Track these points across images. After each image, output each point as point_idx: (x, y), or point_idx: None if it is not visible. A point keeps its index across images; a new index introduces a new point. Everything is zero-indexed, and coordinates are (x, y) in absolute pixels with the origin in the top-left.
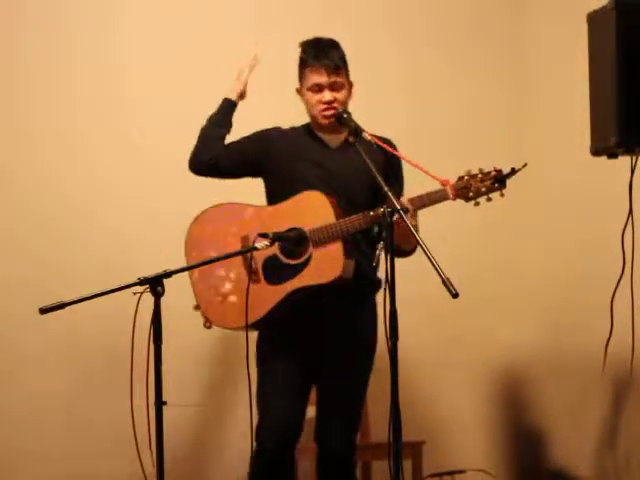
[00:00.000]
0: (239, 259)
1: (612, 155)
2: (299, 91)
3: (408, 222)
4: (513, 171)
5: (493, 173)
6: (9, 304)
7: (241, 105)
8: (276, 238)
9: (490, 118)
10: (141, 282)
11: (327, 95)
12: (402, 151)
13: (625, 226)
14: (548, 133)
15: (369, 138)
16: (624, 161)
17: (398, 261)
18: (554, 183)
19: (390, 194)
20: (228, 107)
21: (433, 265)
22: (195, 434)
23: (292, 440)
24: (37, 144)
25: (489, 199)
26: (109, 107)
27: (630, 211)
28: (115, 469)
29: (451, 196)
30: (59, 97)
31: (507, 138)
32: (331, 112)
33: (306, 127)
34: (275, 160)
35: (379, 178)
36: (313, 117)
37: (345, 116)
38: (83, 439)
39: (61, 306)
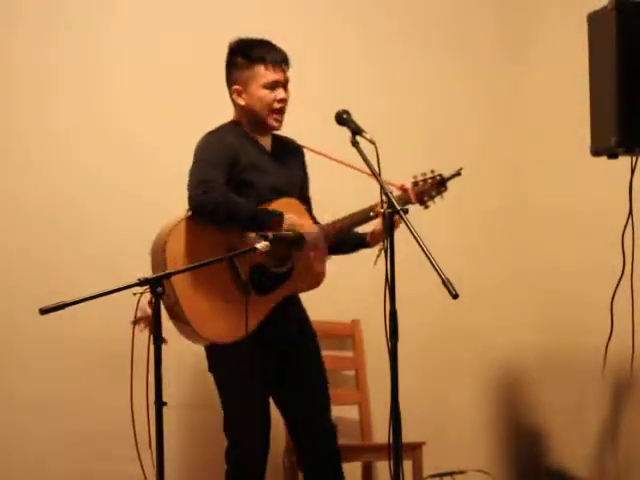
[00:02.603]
0: (225, 272)
1: (612, 155)
2: (240, 91)
3: (408, 222)
4: (453, 175)
5: (437, 177)
6: (9, 305)
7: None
8: (275, 238)
9: (489, 118)
10: (141, 283)
11: (282, 92)
12: (398, 149)
13: (625, 226)
14: (548, 133)
15: (369, 137)
16: (624, 161)
17: (398, 261)
18: (554, 183)
19: (390, 195)
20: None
21: (433, 265)
22: (196, 434)
23: (261, 458)
24: (34, 145)
25: (434, 202)
26: (107, 108)
27: (630, 211)
28: (115, 469)
29: (413, 200)
30: (51, 97)
31: (507, 138)
32: (281, 116)
33: (237, 128)
34: (235, 165)
35: (379, 178)
36: (261, 118)
37: (345, 116)
38: (83, 439)
39: (61, 307)
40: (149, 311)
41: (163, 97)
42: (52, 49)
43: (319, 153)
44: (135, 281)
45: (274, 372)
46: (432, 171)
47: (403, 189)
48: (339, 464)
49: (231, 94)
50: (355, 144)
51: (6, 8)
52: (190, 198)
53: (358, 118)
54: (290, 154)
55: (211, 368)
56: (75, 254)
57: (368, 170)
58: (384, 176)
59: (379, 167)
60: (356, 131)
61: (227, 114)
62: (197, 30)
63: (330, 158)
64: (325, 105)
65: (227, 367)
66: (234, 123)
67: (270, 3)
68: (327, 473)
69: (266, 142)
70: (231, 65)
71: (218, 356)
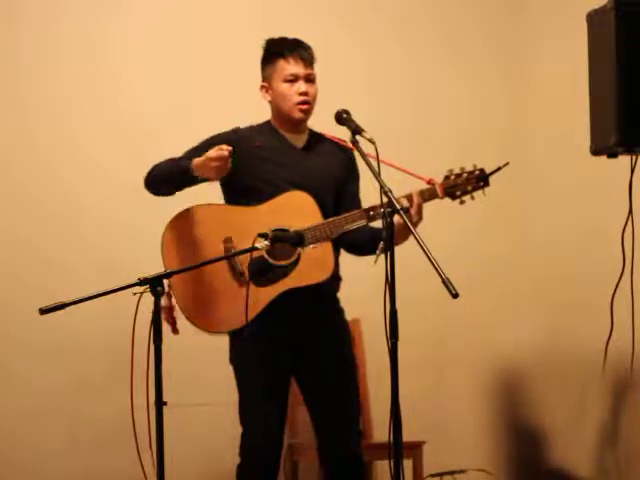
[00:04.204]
0: (222, 262)
1: (612, 154)
2: (266, 88)
3: (409, 222)
4: (496, 170)
5: (477, 172)
6: (8, 304)
7: (241, 103)
8: (276, 238)
9: (490, 118)
10: (141, 282)
11: (303, 86)
12: (401, 149)
13: (625, 225)
14: (548, 132)
15: (369, 137)
16: (624, 160)
17: (398, 261)
18: (554, 183)
19: (390, 194)
20: (188, 179)
21: (433, 265)
22: (196, 434)
23: (276, 453)
24: (37, 142)
25: (472, 197)
26: (111, 105)
27: (630, 210)
28: (115, 469)
29: (440, 194)
30: (57, 95)
31: (507, 138)
32: (306, 107)
33: (268, 126)
34: (241, 162)
35: (379, 178)
36: (285, 112)
37: (345, 115)
38: (83, 439)
39: (61, 307)
40: (173, 302)
41: (171, 95)
42: (56, 43)
43: (374, 158)
44: (135, 280)
45: (298, 369)
46: (474, 165)
47: (430, 183)
48: (359, 470)
49: (261, 91)
50: (355, 143)
51: (12, 7)
52: None
53: (358, 117)
54: (330, 153)
55: (231, 359)
56: (75, 254)
57: (417, 173)
58: (385, 175)
59: (379, 166)
60: (356, 130)
61: (235, 109)
62: (197, 30)
63: (386, 164)
64: (325, 104)
65: (244, 361)
66: (267, 123)
67: (269, 3)
68: (345, 477)
69: (297, 139)
70: (261, 63)
71: (237, 349)
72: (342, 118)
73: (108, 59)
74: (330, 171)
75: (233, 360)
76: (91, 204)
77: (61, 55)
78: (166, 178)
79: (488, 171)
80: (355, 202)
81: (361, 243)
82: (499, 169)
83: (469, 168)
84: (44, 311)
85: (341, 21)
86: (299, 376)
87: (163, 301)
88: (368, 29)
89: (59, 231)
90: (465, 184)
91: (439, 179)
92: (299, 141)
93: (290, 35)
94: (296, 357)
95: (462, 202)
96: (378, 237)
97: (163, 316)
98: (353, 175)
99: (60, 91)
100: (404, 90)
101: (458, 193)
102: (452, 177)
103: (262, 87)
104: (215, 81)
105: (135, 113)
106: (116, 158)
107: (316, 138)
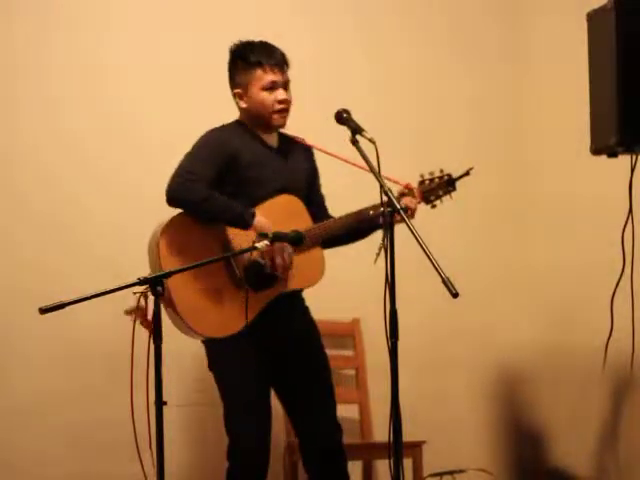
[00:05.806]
0: (220, 267)
1: (612, 154)
2: (241, 95)
3: (408, 221)
4: (462, 175)
5: (445, 177)
6: (9, 303)
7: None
8: (275, 238)
9: (490, 118)
10: (141, 282)
11: (283, 93)
12: (399, 148)
13: (625, 225)
14: (548, 132)
15: (369, 137)
16: (624, 160)
17: (398, 261)
18: (554, 182)
19: (390, 194)
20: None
21: (433, 264)
22: (195, 434)
23: (267, 454)
24: (35, 144)
25: (442, 201)
26: (110, 106)
27: (630, 210)
28: (115, 469)
29: (419, 198)
30: (54, 96)
31: (507, 138)
32: (285, 113)
33: (241, 126)
34: (235, 163)
35: (379, 178)
36: (265, 119)
37: (345, 115)
38: (83, 439)
39: (61, 306)
40: (141, 303)
41: (170, 96)
42: (54, 45)
43: (328, 153)
44: (135, 280)
45: (276, 369)
46: (441, 170)
47: (408, 188)
48: (343, 464)
49: (233, 96)
50: (355, 143)
51: (10, 6)
52: (167, 185)
53: (358, 117)
54: (297, 152)
55: (210, 366)
56: (75, 253)
57: (394, 177)
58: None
59: (379, 166)
60: (356, 130)
61: (231, 110)
62: (196, 29)
63: (339, 158)
64: (324, 104)
65: (226, 365)
66: (238, 123)
67: (269, 2)
68: (330, 473)
69: (271, 140)
70: (232, 68)
71: (217, 354)
72: (342, 118)
73: (108, 60)
74: (303, 170)
75: (214, 367)
76: (90, 207)
77: (59, 56)
78: (212, 216)
79: (454, 175)
80: (321, 197)
81: (337, 238)
82: (466, 174)
83: (437, 173)
84: (44, 311)
85: (343, 19)
86: (276, 376)
87: (137, 302)
88: (376, 28)
89: (58, 235)
90: (437, 189)
91: (414, 184)
92: (272, 141)
93: (291, 35)
94: (273, 358)
95: (434, 206)
96: (353, 229)
97: (139, 319)
98: (316, 171)
99: (55, 92)
100: (404, 89)
101: (432, 198)
102: (426, 182)
103: (236, 94)
104: (215, 80)
105: (134, 115)
106: (115, 160)
107: (283, 137)
